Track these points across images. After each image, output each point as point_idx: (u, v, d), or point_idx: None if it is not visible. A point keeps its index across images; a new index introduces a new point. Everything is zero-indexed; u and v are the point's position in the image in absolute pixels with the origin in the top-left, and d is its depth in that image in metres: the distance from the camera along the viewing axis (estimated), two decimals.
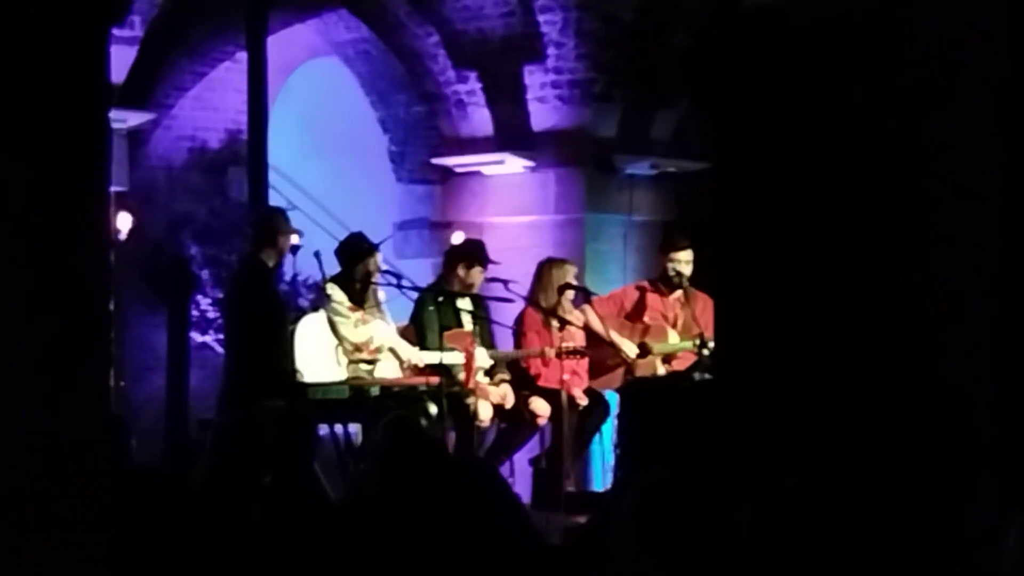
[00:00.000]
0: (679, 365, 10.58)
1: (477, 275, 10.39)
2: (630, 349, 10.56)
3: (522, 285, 10.60)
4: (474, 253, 10.52)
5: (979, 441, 4.90)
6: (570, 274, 10.64)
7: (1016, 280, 4.92)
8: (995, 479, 4.79)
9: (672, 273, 10.57)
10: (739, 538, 3.54)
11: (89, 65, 3.79)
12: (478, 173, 13.38)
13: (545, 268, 10.68)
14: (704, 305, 10.15)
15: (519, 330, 10.67)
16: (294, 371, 9.60)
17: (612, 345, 10.55)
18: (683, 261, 10.56)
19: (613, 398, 10.28)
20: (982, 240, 4.92)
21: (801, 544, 3.52)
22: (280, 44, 12.92)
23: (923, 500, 4.95)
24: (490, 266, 10.57)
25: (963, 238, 4.95)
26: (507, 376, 10.47)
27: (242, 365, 9.51)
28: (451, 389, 9.86)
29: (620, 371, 10.63)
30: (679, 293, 10.64)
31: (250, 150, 11.53)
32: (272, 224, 9.71)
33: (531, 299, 10.59)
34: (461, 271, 10.39)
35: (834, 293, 5.18)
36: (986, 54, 4.91)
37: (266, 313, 9.52)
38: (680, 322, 10.68)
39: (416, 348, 10.05)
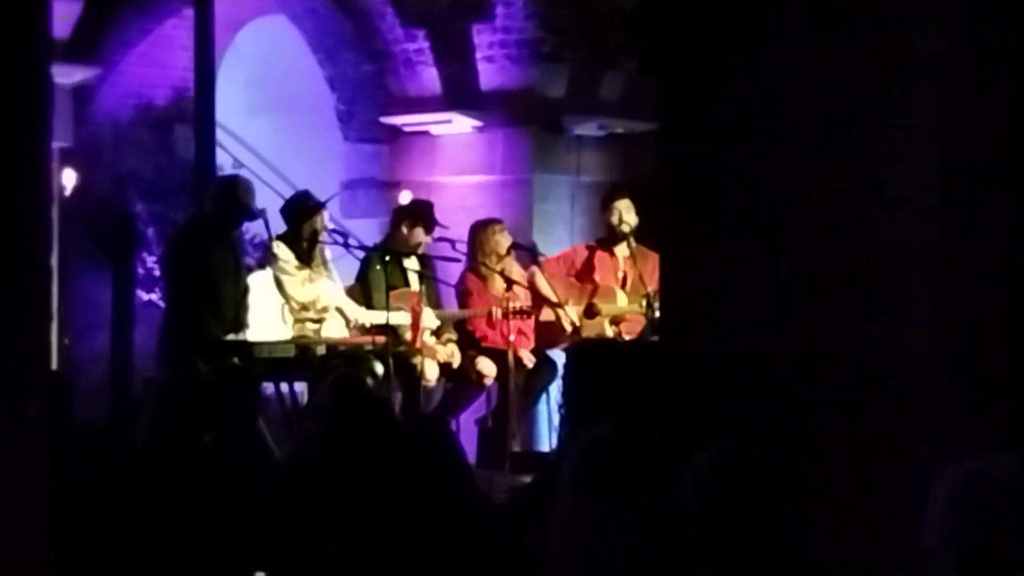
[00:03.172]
0: (627, 328, 10.62)
1: (419, 235, 10.39)
2: (573, 316, 10.55)
3: None
4: (416, 213, 10.52)
5: (922, 401, 4.94)
6: (502, 232, 10.64)
7: (958, 246, 4.95)
8: (938, 438, 4.83)
9: (616, 222, 10.61)
10: (678, 496, 3.56)
11: (30, 18, 3.75)
12: (426, 132, 13.34)
13: (475, 231, 10.69)
14: (653, 263, 10.18)
15: (461, 291, 10.68)
16: (236, 328, 9.54)
17: (557, 310, 10.56)
18: (624, 209, 10.61)
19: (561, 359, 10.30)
20: (923, 203, 4.95)
21: (739, 503, 3.54)
22: (228, 1, 12.82)
23: (864, 461, 4.98)
24: (437, 226, 10.58)
25: (907, 201, 4.98)
26: (454, 336, 10.48)
27: (184, 324, 9.47)
28: (397, 349, 9.86)
29: (569, 332, 10.65)
30: (627, 251, 10.67)
31: (197, 107, 11.45)
32: (231, 194, 9.64)
33: (469, 263, 10.60)
34: (404, 230, 10.40)
35: (779, 255, 5.20)
36: (930, 19, 4.93)
37: (208, 271, 9.47)
38: (629, 281, 10.71)
39: (363, 307, 10.04)
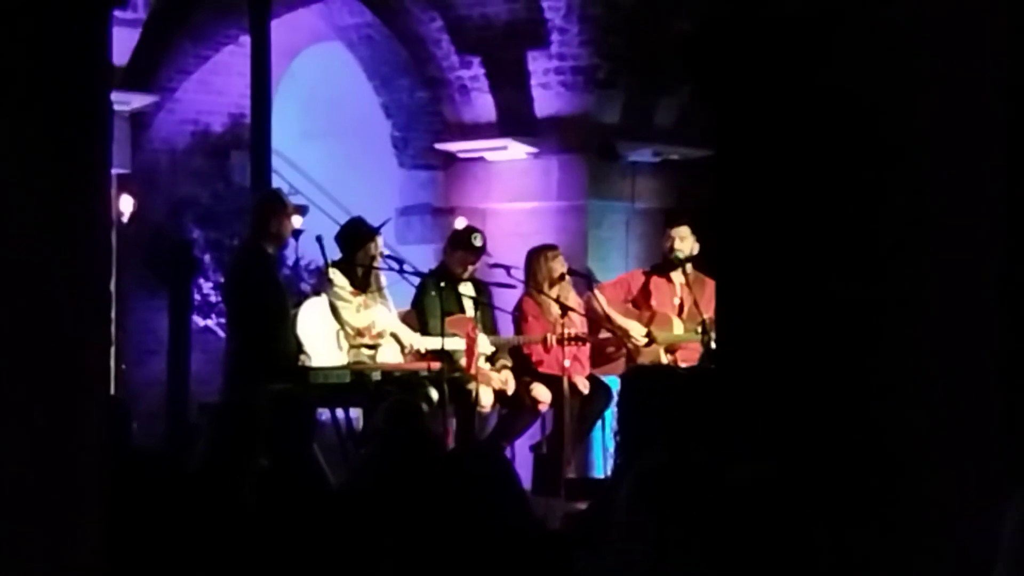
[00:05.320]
0: (683, 355, 10.59)
1: (460, 261, 10.40)
2: (639, 333, 10.57)
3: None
4: (459, 240, 10.54)
5: (984, 427, 4.90)
6: (557, 258, 10.65)
7: (1017, 270, 4.92)
8: (1002, 465, 4.79)
9: (674, 247, 10.61)
10: (732, 520, 3.55)
11: (91, 46, 3.78)
12: (481, 159, 13.37)
13: (531, 257, 10.69)
14: (710, 290, 10.18)
15: (518, 316, 10.69)
16: (297, 355, 9.62)
17: (620, 330, 10.55)
18: (679, 236, 10.62)
19: (615, 384, 10.27)
20: (983, 228, 4.92)
21: (766, 526, 3.52)
22: (284, 28, 12.91)
23: (927, 489, 4.95)
24: (493, 251, 10.60)
25: (964, 226, 4.95)
26: (509, 362, 10.48)
27: (243, 350, 9.54)
28: (452, 375, 9.86)
29: (623, 359, 10.63)
30: (683, 278, 10.66)
31: (253, 134, 11.52)
32: (267, 208, 9.74)
33: (527, 287, 10.61)
34: (456, 256, 10.42)
35: (834, 281, 5.17)
36: (987, 40, 4.90)
37: (265, 298, 9.53)
38: (685, 308, 10.70)
39: (418, 333, 10.06)
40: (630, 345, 10.56)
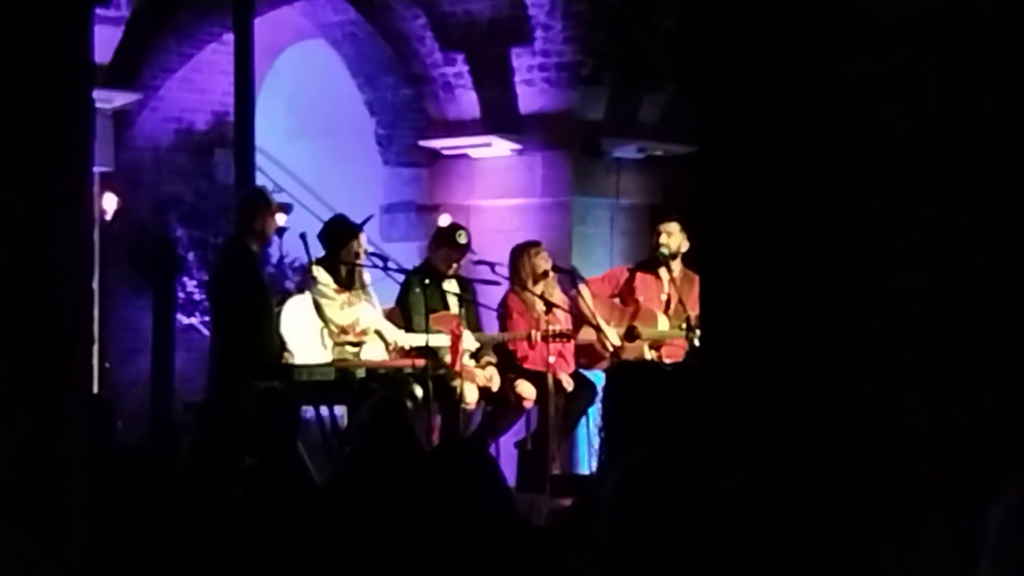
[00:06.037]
0: (668, 352, 10.61)
1: (451, 259, 10.40)
2: (614, 338, 10.57)
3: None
4: (444, 237, 10.54)
5: (968, 423, 4.91)
6: (541, 255, 10.65)
7: (1004, 267, 4.92)
8: (986, 461, 4.80)
9: (660, 242, 10.65)
10: (719, 517, 3.55)
11: (73, 44, 3.78)
12: (465, 156, 13.36)
13: (516, 253, 10.70)
14: (696, 287, 10.18)
15: (503, 313, 10.69)
16: (281, 353, 9.62)
17: (598, 332, 10.56)
18: (667, 232, 10.64)
19: (600, 380, 10.28)
20: (969, 224, 4.93)
21: (773, 523, 3.52)
22: (267, 26, 12.89)
23: (910, 485, 4.96)
24: (478, 248, 10.61)
25: (949, 222, 4.96)
26: (493, 359, 10.48)
27: (227, 348, 9.54)
28: (437, 372, 9.86)
29: (608, 355, 10.65)
30: (670, 275, 10.68)
31: (237, 132, 11.50)
32: (251, 206, 9.73)
33: (511, 284, 10.62)
34: (441, 253, 10.42)
35: (818, 278, 5.18)
36: (971, 38, 4.91)
37: (249, 296, 9.53)
38: (672, 304, 10.71)
39: (402, 330, 10.06)
40: (608, 346, 10.56)
